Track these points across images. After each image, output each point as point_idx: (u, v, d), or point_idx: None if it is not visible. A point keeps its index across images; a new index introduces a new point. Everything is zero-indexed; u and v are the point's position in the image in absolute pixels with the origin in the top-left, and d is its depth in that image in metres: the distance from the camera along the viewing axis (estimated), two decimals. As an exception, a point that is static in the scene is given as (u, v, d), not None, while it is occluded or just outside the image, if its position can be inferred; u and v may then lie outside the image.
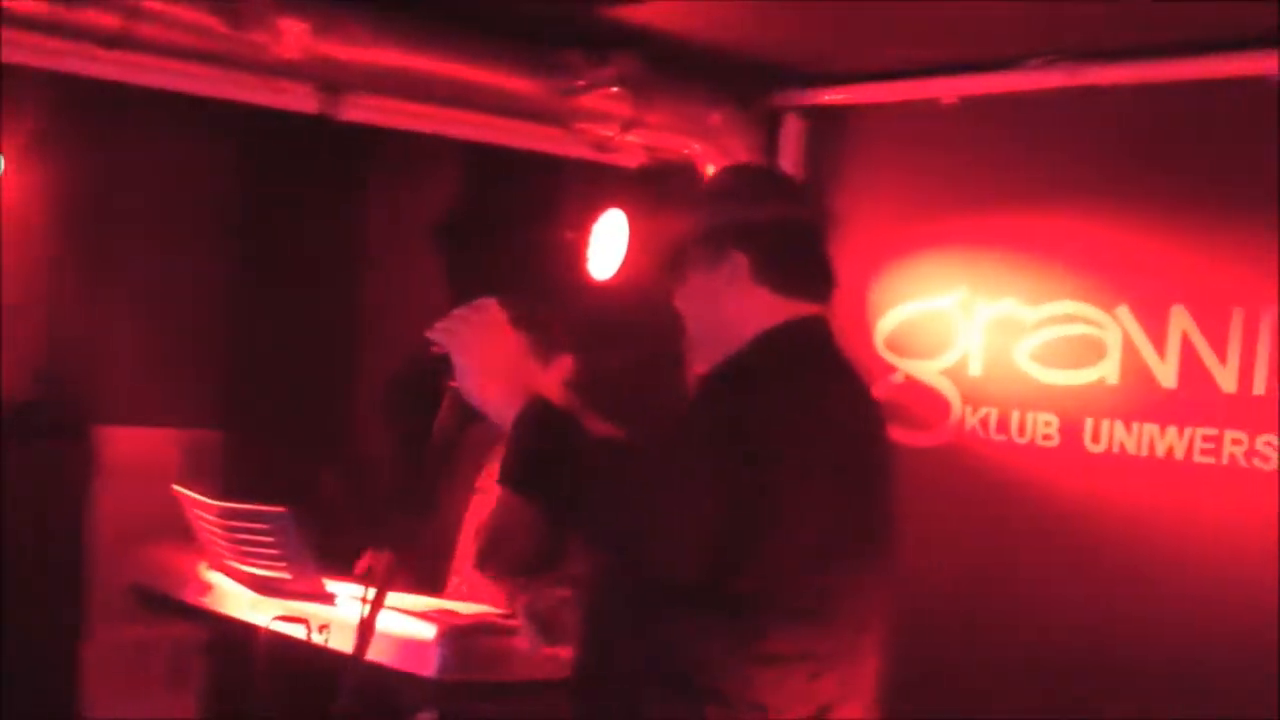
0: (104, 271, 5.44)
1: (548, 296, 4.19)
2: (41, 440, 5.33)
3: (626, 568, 2.48)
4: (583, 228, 5.02)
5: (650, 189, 5.04)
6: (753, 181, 2.78)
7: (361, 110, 4.37)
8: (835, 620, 2.48)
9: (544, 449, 2.35)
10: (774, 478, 2.33)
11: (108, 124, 5.20)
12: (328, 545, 3.59)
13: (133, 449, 5.44)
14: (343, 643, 3.17)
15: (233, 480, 5.36)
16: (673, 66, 4.68)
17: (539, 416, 2.37)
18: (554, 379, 3.86)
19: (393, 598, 3.40)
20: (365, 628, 2.56)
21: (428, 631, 3.18)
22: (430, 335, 2.44)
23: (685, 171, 4.98)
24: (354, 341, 6.17)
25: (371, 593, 2.55)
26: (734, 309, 2.57)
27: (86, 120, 5.20)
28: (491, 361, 2.41)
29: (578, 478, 2.33)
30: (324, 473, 5.83)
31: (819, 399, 2.50)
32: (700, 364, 2.64)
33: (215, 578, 3.69)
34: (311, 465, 5.78)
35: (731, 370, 2.55)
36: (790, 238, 2.61)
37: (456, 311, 2.45)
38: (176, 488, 3.67)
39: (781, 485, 2.34)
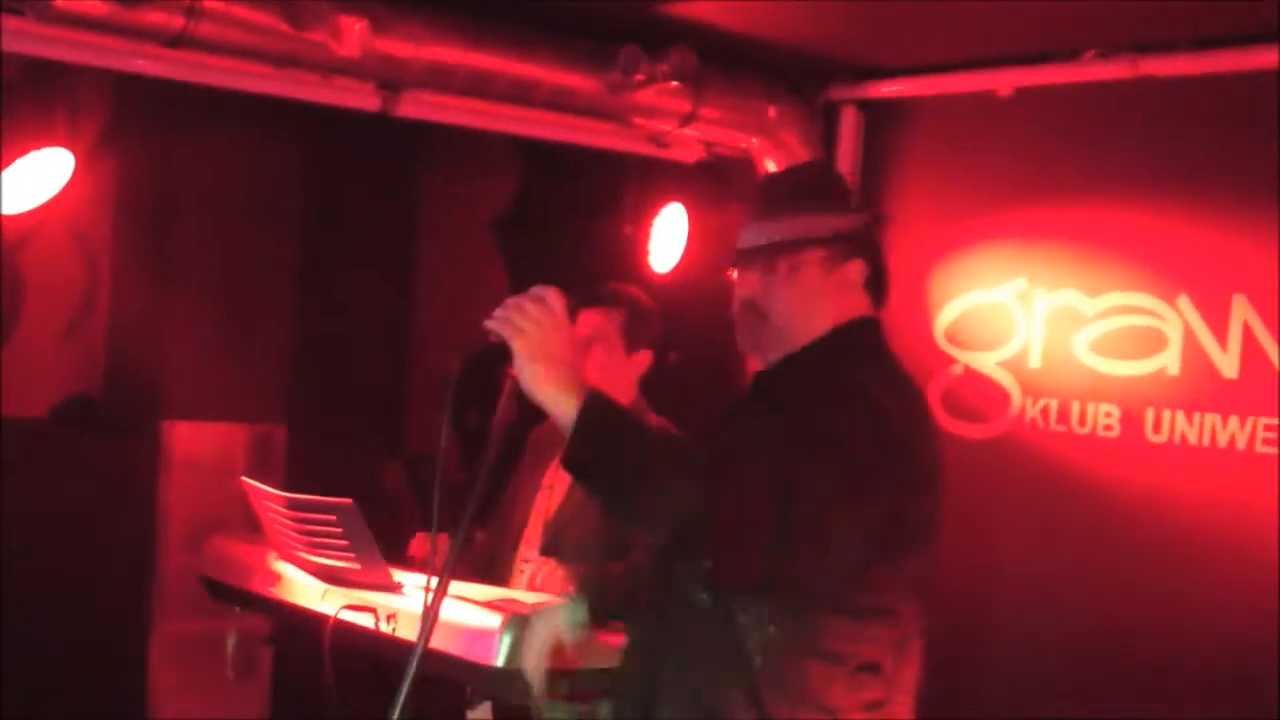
0: (169, 268, 5.49)
1: (648, 288, 4.15)
2: (108, 436, 5.40)
3: (681, 556, 2.48)
4: (642, 222, 5.03)
5: (709, 184, 5.06)
6: (848, 188, 2.81)
7: (421, 107, 4.39)
8: (887, 618, 2.52)
9: (606, 437, 2.33)
10: (851, 473, 2.35)
11: (171, 124, 5.26)
12: (391, 537, 3.57)
13: (198, 444, 5.50)
14: (410, 632, 3.15)
15: (297, 473, 5.44)
16: (729, 61, 4.69)
17: (601, 405, 2.35)
18: (632, 373, 3.81)
19: (456, 587, 3.40)
20: (429, 614, 2.49)
21: (491, 620, 3.12)
22: (488, 325, 2.39)
23: (743, 166, 4.99)
24: (412, 336, 6.22)
25: (434, 580, 2.46)
26: (830, 310, 2.63)
27: (151, 120, 5.27)
28: (552, 354, 2.36)
29: (639, 462, 2.31)
30: (387, 466, 5.87)
31: (890, 395, 2.52)
32: (762, 358, 2.68)
33: (284, 568, 3.66)
34: (374, 459, 5.82)
35: (805, 365, 2.60)
36: (881, 246, 2.72)
37: (513, 300, 2.41)
38: (245, 479, 3.66)
39: (860, 481, 2.36)
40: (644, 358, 3.85)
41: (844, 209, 2.69)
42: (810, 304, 2.63)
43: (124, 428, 5.42)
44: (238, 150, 5.48)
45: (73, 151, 4.45)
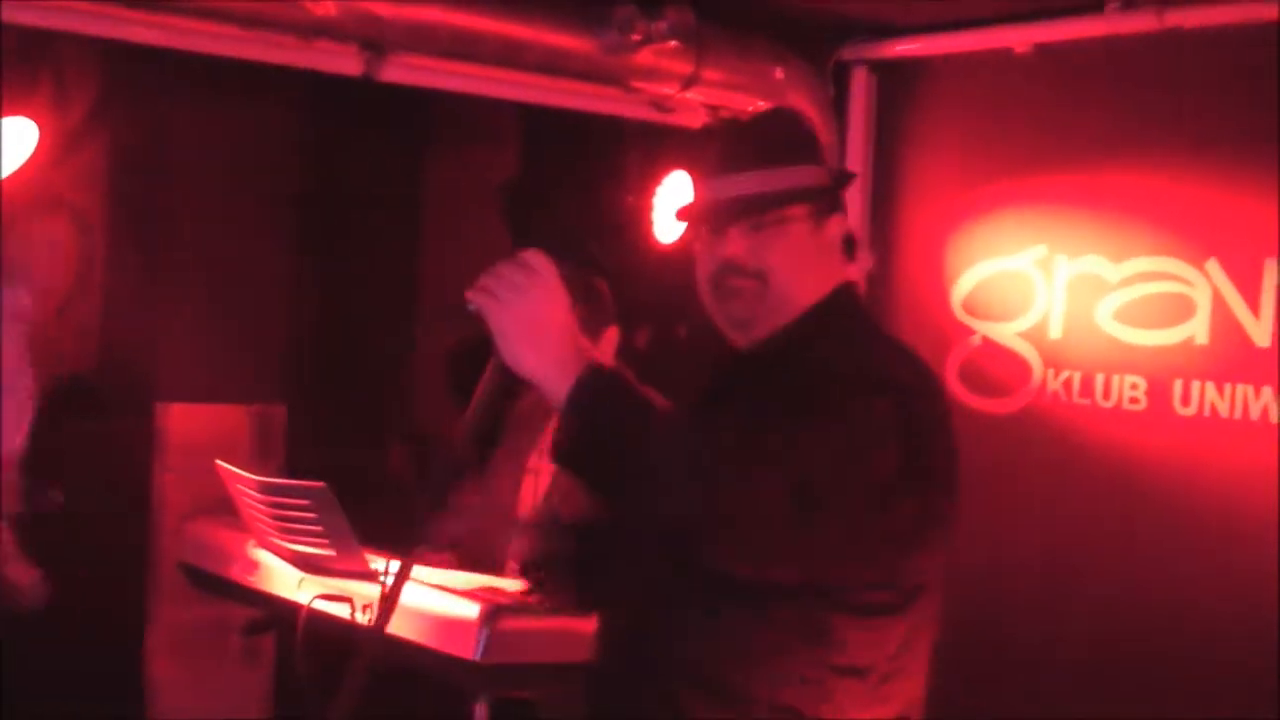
0: (162, 246, 5.36)
1: (598, 263, 4.02)
2: (102, 418, 5.22)
3: (685, 552, 2.17)
4: (645, 191, 4.88)
5: (715, 150, 4.87)
6: (816, 134, 2.56)
7: (407, 71, 4.19)
8: (908, 611, 2.29)
9: (601, 425, 2.07)
10: (875, 464, 2.11)
11: (165, 95, 5.12)
12: (398, 519, 3.45)
13: (194, 426, 5.35)
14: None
15: (298, 455, 5.29)
16: (732, 19, 4.54)
17: (597, 388, 2.08)
18: (603, 352, 3.64)
19: (439, 575, 3.30)
20: (387, 602, 2.30)
21: (470, 611, 2.98)
22: (469, 297, 2.12)
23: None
24: (414, 311, 6.08)
25: (394, 564, 2.27)
26: (821, 272, 2.38)
27: (143, 92, 5.12)
28: (539, 326, 2.09)
29: (638, 456, 2.06)
30: (393, 447, 5.77)
31: (907, 371, 2.29)
32: (747, 336, 2.37)
33: (262, 556, 3.55)
34: (379, 439, 5.71)
35: (806, 342, 2.32)
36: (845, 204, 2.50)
37: (498, 267, 2.13)
38: (219, 463, 3.51)
39: (884, 474, 2.12)
40: (610, 335, 3.72)
41: (821, 159, 2.45)
42: (803, 264, 2.35)
43: (118, 410, 5.26)
44: (234, 123, 5.31)
45: (60, 124, 4.28)
